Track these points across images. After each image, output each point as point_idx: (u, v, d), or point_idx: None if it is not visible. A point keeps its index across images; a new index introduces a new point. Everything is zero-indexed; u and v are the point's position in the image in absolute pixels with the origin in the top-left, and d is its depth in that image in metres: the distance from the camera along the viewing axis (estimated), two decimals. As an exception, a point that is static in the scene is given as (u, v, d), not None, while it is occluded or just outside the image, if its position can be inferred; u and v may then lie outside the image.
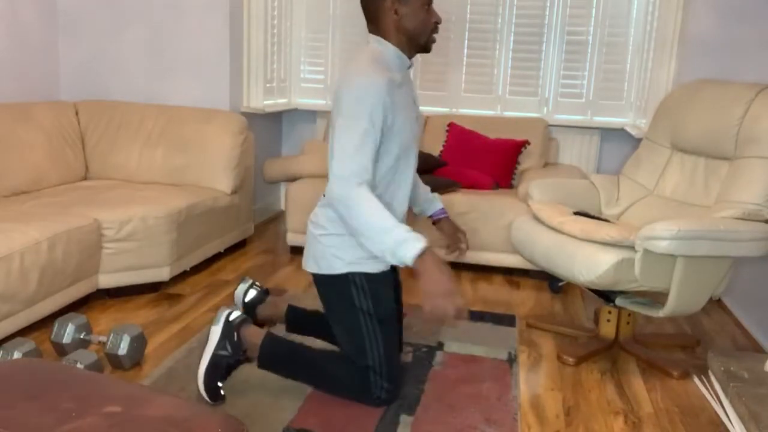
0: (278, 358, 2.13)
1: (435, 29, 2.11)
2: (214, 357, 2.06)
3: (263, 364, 2.12)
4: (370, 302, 2.08)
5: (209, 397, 2.06)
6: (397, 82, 2.02)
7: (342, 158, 1.91)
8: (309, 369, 2.14)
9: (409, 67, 2.15)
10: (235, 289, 2.52)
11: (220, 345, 2.07)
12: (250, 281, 2.52)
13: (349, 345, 2.11)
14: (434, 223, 2.49)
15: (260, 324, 2.45)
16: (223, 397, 2.08)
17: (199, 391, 2.06)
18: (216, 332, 2.08)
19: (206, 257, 3.44)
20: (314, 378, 2.15)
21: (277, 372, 2.15)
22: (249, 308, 2.49)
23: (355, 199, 1.88)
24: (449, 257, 2.41)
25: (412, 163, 2.15)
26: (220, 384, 2.08)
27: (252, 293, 2.50)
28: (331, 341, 2.31)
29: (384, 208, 1.88)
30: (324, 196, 2.16)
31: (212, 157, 3.55)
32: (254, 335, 2.12)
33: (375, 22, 2.11)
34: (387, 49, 2.08)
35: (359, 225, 1.89)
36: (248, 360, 2.14)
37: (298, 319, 2.44)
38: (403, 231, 1.86)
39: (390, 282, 2.18)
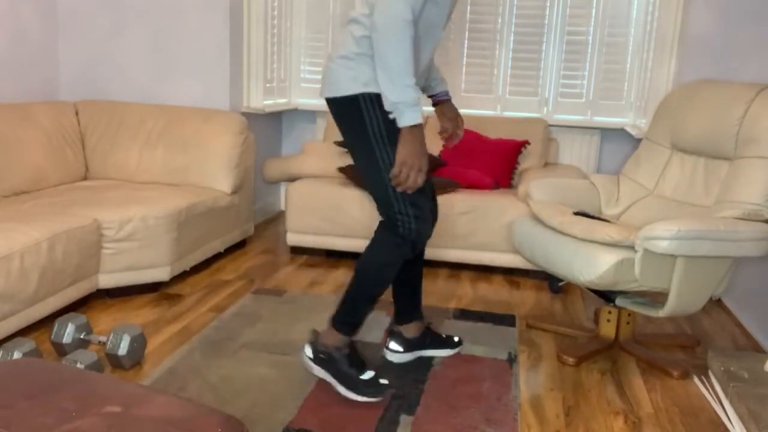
0: (350, 314, 2.17)
1: None
2: (338, 378, 2.15)
3: (350, 331, 2.18)
4: (384, 128, 2.01)
5: (375, 395, 2.12)
6: None
7: None
8: (364, 287, 2.14)
9: None
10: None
11: (328, 368, 2.17)
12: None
13: (368, 179, 2.09)
14: (435, 104, 2.40)
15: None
16: (384, 386, 2.15)
17: (374, 400, 2.14)
18: (319, 371, 2.19)
19: (206, 257, 3.44)
20: (375, 283, 2.14)
21: (362, 317, 2.18)
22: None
23: (404, 32, 1.87)
24: (445, 142, 2.38)
25: (432, 46, 2.10)
26: (366, 377, 2.13)
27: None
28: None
29: (412, 60, 1.90)
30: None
31: (212, 157, 3.55)
32: (327, 336, 2.19)
33: None
34: None
35: (391, 60, 1.88)
36: (351, 345, 2.20)
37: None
38: (416, 96, 1.91)
39: None
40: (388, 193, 2.06)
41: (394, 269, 2.14)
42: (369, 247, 2.16)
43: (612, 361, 2.58)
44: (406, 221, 2.07)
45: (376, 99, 2.00)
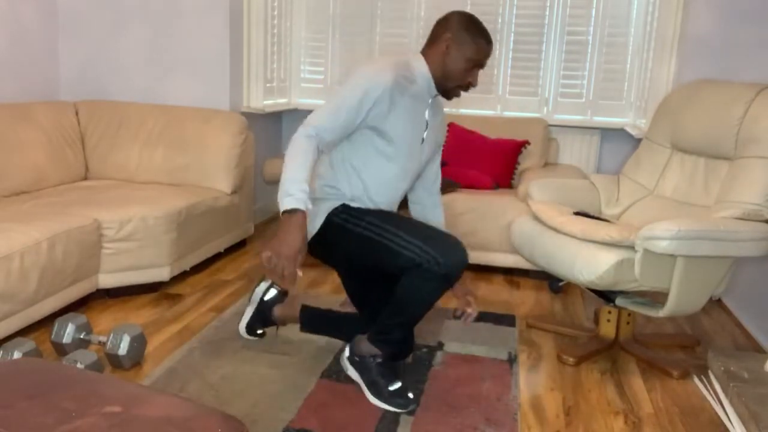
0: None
1: (465, 87, 2.21)
2: (366, 382, 2.20)
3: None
4: (356, 219, 2.11)
5: (399, 406, 2.14)
6: (409, 90, 2.12)
7: (317, 112, 2.03)
8: (400, 316, 2.12)
9: (434, 96, 2.24)
10: (256, 286, 2.59)
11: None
12: (270, 281, 2.59)
13: (386, 261, 2.05)
14: None
15: (274, 324, 2.57)
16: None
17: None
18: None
19: (206, 257, 3.44)
20: (410, 315, 2.13)
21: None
22: (266, 307, 2.55)
23: (298, 142, 1.98)
24: (458, 321, 2.43)
25: (404, 173, 2.21)
26: (392, 387, 2.17)
27: (272, 292, 2.57)
28: (346, 340, 2.34)
29: (308, 167, 1.94)
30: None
31: (212, 157, 3.55)
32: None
33: (429, 45, 2.21)
34: (421, 67, 2.18)
35: (286, 161, 1.96)
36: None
37: (312, 319, 2.47)
38: (299, 188, 1.90)
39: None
40: (391, 252, 2.03)
41: (428, 303, 2.08)
42: (405, 282, 2.05)
43: (612, 361, 2.58)
44: (430, 261, 1.99)
45: (340, 209, 2.15)
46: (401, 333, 2.17)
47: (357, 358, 2.21)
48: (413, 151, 2.21)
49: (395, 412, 2.10)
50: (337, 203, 2.16)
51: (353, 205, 2.17)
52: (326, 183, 2.20)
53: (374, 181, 2.17)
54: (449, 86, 2.19)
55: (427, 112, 2.23)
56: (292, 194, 1.90)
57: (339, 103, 2.03)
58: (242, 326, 2.56)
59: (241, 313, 2.85)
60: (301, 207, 1.89)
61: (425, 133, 2.25)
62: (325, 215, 2.15)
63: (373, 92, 2.03)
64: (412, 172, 2.26)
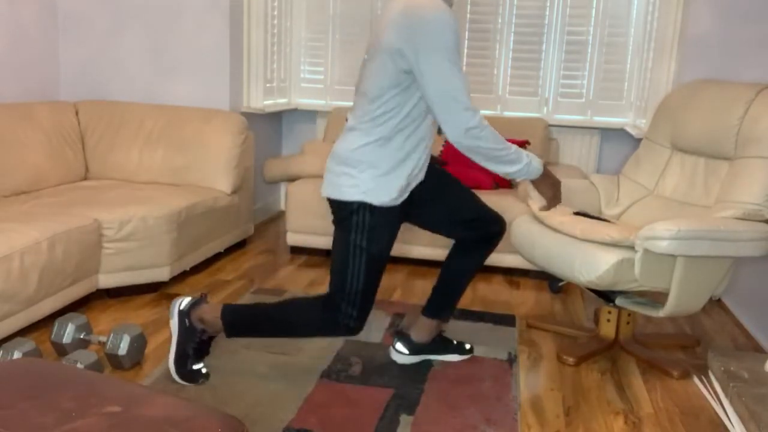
0: (242, 325, 2.21)
1: None
2: (178, 347, 2.19)
3: (230, 334, 2.21)
4: (365, 237, 2.09)
5: (187, 381, 2.18)
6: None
7: (463, 93, 1.94)
8: (274, 323, 2.19)
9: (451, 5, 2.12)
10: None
11: (180, 337, 2.21)
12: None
13: (335, 266, 2.14)
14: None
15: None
16: (205, 376, 2.24)
17: (180, 383, 2.20)
18: (174, 325, 2.21)
19: (206, 257, 3.44)
20: (281, 330, 2.21)
21: (245, 335, 2.25)
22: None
23: (488, 125, 1.99)
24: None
25: None
26: (196, 366, 2.19)
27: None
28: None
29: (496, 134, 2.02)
30: (348, 121, 2.16)
31: (212, 157, 3.55)
32: (210, 312, 2.20)
33: None
34: None
35: (497, 145, 1.99)
36: (211, 337, 2.26)
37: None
38: (517, 155, 2.04)
39: (394, 220, 2.15)
40: (344, 289, 2.10)
41: (312, 336, 2.21)
42: (300, 304, 2.18)
43: (612, 361, 2.58)
44: (348, 315, 2.11)
45: (369, 209, 2.08)
46: (260, 335, 2.23)
47: (188, 322, 2.19)
48: None
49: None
50: (372, 188, 2.07)
51: (381, 201, 2.08)
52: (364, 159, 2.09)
53: (426, 128, 2.11)
54: None
55: None
56: (531, 156, 2.07)
57: (458, 72, 1.93)
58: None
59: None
60: (540, 161, 2.10)
61: None
62: (359, 197, 2.07)
63: (457, 39, 1.94)
64: None
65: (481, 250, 2.38)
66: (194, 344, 2.20)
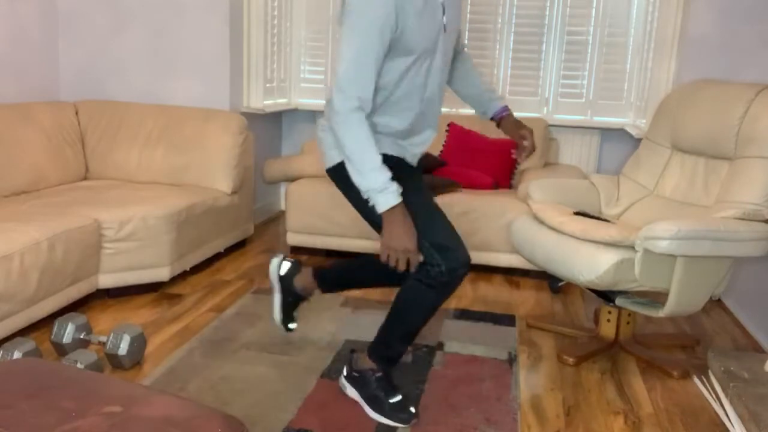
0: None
1: None
2: (366, 398, 2.14)
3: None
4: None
5: (401, 421, 2.07)
6: None
7: (347, 71, 1.85)
8: (399, 325, 2.09)
9: None
10: (269, 264, 2.50)
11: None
12: (282, 255, 2.51)
13: (378, 228, 2.01)
14: (497, 124, 2.26)
15: (302, 298, 2.50)
16: (410, 414, 2.08)
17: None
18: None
19: (206, 257, 3.44)
20: (410, 323, 2.08)
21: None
22: (288, 282, 2.46)
23: (353, 122, 1.86)
24: (520, 160, 2.21)
25: (431, 71, 2.00)
26: (393, 400, 2.09)
27: (285, 265, 2.47)
28: (369, 286, 2.35)
29: (373, 142, 1.87)
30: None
31: (212, 157, 3.55)
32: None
33: None
34: None
35: (349, 149, 1.87)
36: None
37: (329, 280, 2.39)
38: (385, 178, 1.86)
39: (400, 166, 2.05)
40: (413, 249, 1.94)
41: (430, 311, 2.06)
42: (403, 291, 2.06)
43: (612, 361, 2.58)
44: (434, 265, 1.96)
45: None
46: (403, 346, 2.12)
47: (356, 374, 2.16)
48: (433, 39, 1.97)
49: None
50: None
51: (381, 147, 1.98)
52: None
53: (401, 95, 1.98)
54: None
55: None
56: (383, 189, 1.85)
57: (360, 53, 1.83)
58: (277, 317, 2.46)
59: (241, 314, 2.85)
60: (398, 200, 1.87)
61: (444, 19, 1.99)
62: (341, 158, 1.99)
63: (383, 16, 1.81)
64: (440, 64, 2.03)
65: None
66: (374, 385, 2.12)
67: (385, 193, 1.86)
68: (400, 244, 1.88)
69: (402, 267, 1.92)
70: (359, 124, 1.86)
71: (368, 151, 1.86)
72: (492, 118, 2.27)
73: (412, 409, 2.08)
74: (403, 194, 1.91)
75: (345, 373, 2.21)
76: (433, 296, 2.01)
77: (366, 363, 2.15)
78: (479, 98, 2.27)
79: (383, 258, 1.93)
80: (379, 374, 2.12)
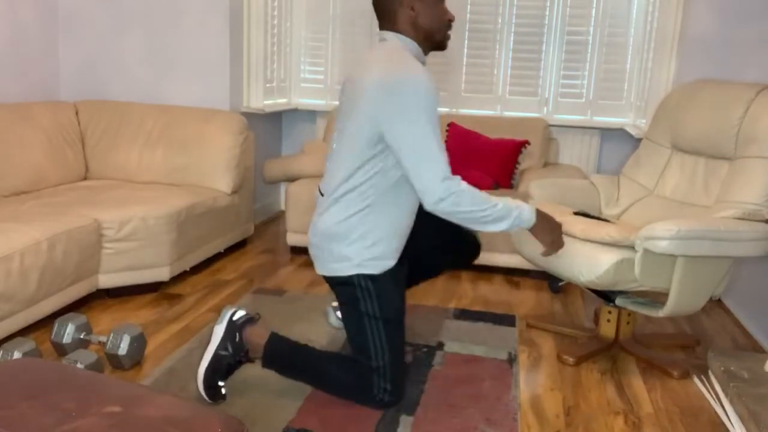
0: (282, 359, 2.13)
1: (449, 26, 2.11)
2: (215, 357, 2.06)
3: (267, 364, 2.13)
4: (376, 305, 2.06)
5: (209, 397, 2.06)
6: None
7: (438, 161, 1.93)
8: (312, 370, 2.13)
9: (424, 64, 2.11)
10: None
11: (222, 345, 2.08)
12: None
13: (356, 344, 2.11)
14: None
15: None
16: (223, 396, 2.09)
17: (198, 390, 2.06)
18: (219, 331, 2.09)
19: (206, 257, 3.44)
20: (316, 379, 2.14)
21: (280, 372, 2.15)
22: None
23: (465, 190, 1.95)
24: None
25: None
26: (220, 383, 2.08)
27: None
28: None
29: (479, 191, 1.99)
30: (321, 195, 2.13)
31: (212, 157, 3.55)
32: (258, 335, 2.12)
33: (390, 19, 2.06)
34: (408, 45, 2.05)
35: (477, 207, 1.96)
36: (250, 360, 2.14)
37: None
38: (510, 200, 2.04)
39: (400, 277, 2.13)
40: (371, 365, 2.06)
41: (343, 395, 2.13)
42: (344, 361, 2.12)
43: (612, 361, 2.58)
44: (382, 390, 2.07)
45: (370, 278, 2.05)
46: (293, 377, 2.15)
47: (238, 337, 2.08)
48: None
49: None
50: (366, 258, 2.05)
51: (378, 271, 2.07)
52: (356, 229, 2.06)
53: (404, 199, 2.08)
54: (438, 38, 2.08)
55: None
56: (518, 205, 2.04)
57: (433, 132, 1.92)
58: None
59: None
60: (531, 208, 2.07)
61: None
62: (355, 270, 2.05)
63: (436, 104, 1.95)
64: None
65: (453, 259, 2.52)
66: (233, 361, 2.08)
67: (521, 212, 2.04)
68: (556, 237, 2.16)
69: (560, 250, 2.22)
70: (466, 185, 1.96)
71: (488, 201, 1.98)
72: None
73: (223, 394, 2.08)
74: (386, 320, 2.06)
75: (235, 316, 2.11)
76: (358, 396, 2.10)
77: (254, 340, 2.10)
78: None
79: (546, 252, 2.20)
80: (242, 359, 2.10)
